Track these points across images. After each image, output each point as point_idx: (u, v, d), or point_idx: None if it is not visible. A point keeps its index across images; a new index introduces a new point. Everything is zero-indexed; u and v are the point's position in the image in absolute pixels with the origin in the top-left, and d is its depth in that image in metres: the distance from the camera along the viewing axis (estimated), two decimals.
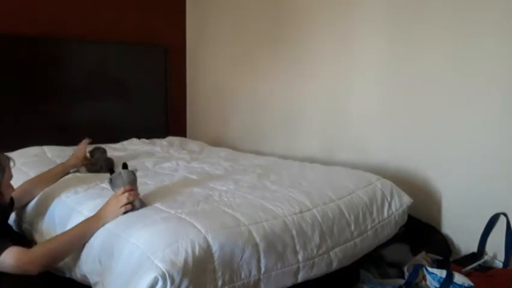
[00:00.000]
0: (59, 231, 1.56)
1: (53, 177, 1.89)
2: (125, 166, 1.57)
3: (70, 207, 1.65)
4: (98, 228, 1.41)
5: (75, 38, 2.97)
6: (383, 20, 2.33)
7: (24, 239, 1.75)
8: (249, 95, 3.19)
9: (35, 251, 1.38)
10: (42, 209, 1.73)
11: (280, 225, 1.49)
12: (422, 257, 1.88)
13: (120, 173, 1.51)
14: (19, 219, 1.82)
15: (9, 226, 1.80)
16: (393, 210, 1.94)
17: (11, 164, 1.56)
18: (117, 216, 1.42)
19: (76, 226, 1.45)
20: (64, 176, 1.94)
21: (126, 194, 1.43)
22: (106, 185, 1.80)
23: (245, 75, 3.19)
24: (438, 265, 1.83)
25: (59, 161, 2.17)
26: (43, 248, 1.41)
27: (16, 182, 1.89)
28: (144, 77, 3.34)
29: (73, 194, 1.73)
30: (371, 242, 1.80)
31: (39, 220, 1.71)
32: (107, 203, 1.46)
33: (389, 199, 1.95)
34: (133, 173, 1.53)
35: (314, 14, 2.68)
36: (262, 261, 1.38)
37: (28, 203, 1.81)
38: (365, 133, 2.47)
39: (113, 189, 1.50)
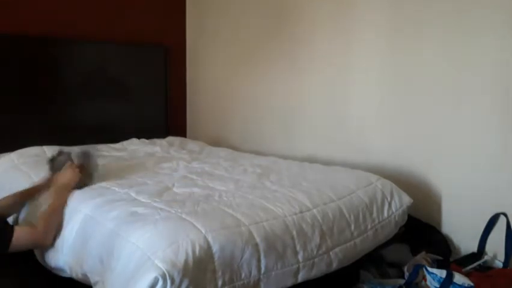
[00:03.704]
0: (60, 231, 1.58)
1: (29, 195, 1.82)
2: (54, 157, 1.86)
3: (70, 207, 1.65)
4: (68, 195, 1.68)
5: (75, 38, 2.97)
6: (383, 20, 2.33)
7: None
8: (249, 95, 3.19)
9: (42, 226, 1.55)
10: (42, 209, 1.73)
11: (280, 226, 1.49)
12: (422, 257, 1.88)
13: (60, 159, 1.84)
14: (18, 219, 1.82)
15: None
16: (393, 210, 1.94)
17: None
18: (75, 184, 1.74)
19: (53, 201, 1.64)
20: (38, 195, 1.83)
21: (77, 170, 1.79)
22: (106, 184, 1.81)
23: (245, 75, 3.19)
24: (438, 265, 1.83)
25: None
26: (44, 222, 1.56)
27: (16, 181, 1.90)
28: (144, 77, 3.34)
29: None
30: (371, 242, 1.80)
31: None
32: (65, 174, 1.76)
33: (389, 199, 1.95)
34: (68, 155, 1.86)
35: (314, 14, 2.68)
36: (262, 261, 1.38)
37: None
38: (365, 133, 2.47)
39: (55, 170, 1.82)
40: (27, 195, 1.81)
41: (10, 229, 1.51)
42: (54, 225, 1.59)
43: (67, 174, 1.77)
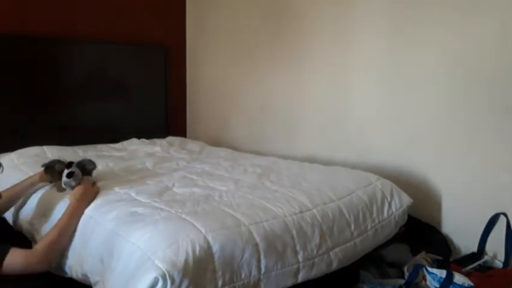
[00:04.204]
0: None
1: (22, 190, 1.82)
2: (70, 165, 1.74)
3: None
4: (84, 211, 1.56)
5: (75, 38, 2.97)
6: (383, 20, 2.33)
7: (23, 239, 1.74)
8: (249, 95, 3.19)
9: (39, 249, 1.41)
10: (44, 211, 1.73)
11: (280, 225, 1.49)
12: (422, 257, 1.88)
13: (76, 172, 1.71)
14: (18, 219, 1.82)
15: (9, 226, 1.80)
16: (393, 210, 1.94)
17: None
18: (94, 198, 1.63)
19: (65, 214, 1.52)
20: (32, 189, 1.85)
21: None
22: (106, 184, 1.81)
23: (245, 75, 3.19)
24: (438, 265, 1.84)
25: None
26: (44, 244, 1.43)
27: (16, 181, 1.90)
28: (144, 77, 3.34)
29: None
30: (371, 242, 1.80)
31: (41, 221, 1.70)
32: (84, 187, 1.63)
33: (389, 199, 1.95)
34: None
35: (314, 14, 2.68)
36: (263, 261, 1.38)
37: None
38: (365, 133, 2.47)
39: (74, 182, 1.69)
40: (20, 192, 1.80)
41: (4, 251, 1.35)
42: (57, 250, 1.46)
43: (87, 190, 1.63)
